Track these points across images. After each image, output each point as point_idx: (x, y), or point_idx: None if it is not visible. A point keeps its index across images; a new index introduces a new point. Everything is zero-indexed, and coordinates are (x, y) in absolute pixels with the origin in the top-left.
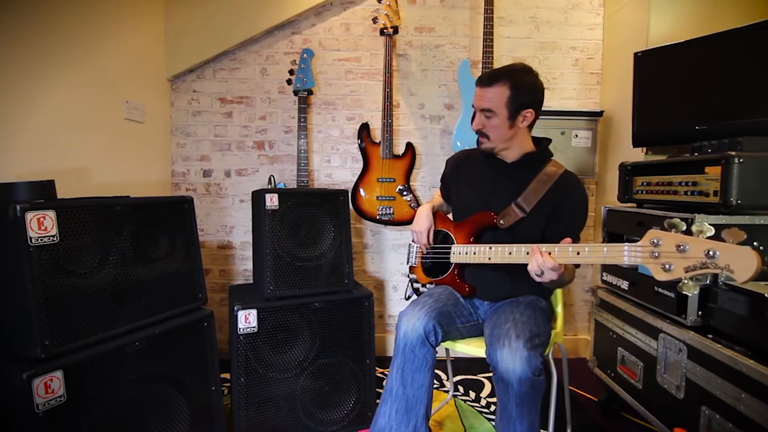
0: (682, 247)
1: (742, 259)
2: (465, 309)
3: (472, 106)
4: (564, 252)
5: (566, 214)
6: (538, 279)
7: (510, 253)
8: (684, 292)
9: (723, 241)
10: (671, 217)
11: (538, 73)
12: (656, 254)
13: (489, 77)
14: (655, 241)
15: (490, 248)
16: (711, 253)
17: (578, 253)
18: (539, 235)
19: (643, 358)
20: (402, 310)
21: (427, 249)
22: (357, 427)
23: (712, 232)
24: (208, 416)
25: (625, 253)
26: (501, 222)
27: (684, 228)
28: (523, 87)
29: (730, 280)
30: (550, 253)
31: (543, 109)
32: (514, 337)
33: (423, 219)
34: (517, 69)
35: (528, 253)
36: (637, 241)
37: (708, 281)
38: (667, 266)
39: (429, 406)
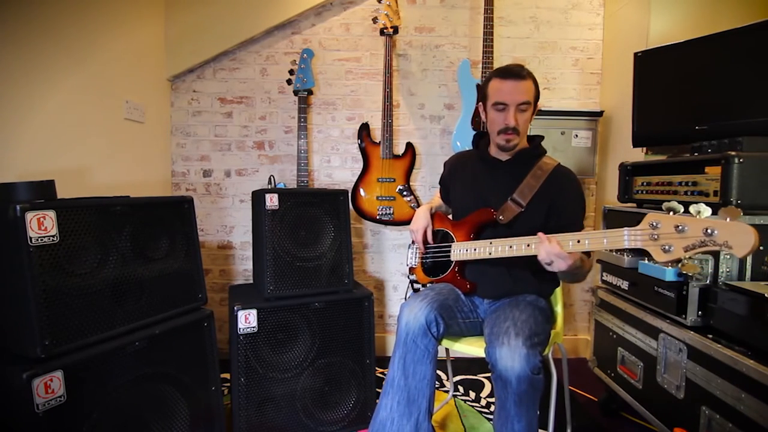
0: (680, 227)
1: (741, 235)
2: (465, 305)
3: (501, 103)
4: (564, 242)
5: (566, 208)
6: (548, 268)
7: (511, 247)
8: (685, 272)
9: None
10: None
11: None
12: (656, 236)
13: (520, 71)
14: (654, 223)
15: (491, 243)
16: (709, 231)
17: (578, 242)
18: (539, 230)
19: (643, 358)
20: (403, 302)
21: (424, 249)
22: (357, 427)
23: (709, 212)
24: (208, 416)
25: (625, 237)
26: (500, 217)
27: (681, 210)
28: (535, 80)
29: (728, 254)
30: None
31: (543, 109)
32: (514, 335)
33: (420, 218)
34: (520, 66)
35: (529, 245)
36: None
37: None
38: (666, 247)
39: (431, 400)
